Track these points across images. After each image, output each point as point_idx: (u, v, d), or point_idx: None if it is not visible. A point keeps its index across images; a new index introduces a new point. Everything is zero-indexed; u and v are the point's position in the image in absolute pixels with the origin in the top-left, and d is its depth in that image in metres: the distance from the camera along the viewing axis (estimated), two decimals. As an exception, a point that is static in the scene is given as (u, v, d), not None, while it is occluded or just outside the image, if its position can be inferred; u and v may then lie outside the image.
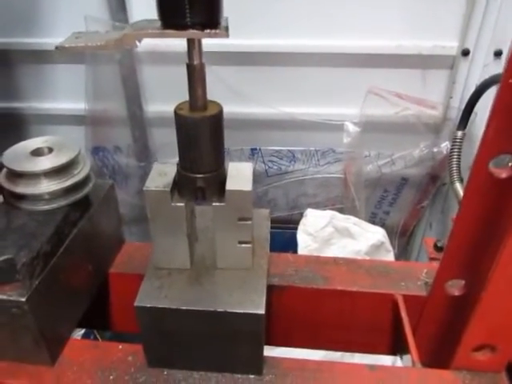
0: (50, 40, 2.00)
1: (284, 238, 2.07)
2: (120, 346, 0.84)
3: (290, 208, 2.43)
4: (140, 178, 2.30)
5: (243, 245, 0.78)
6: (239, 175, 0.75)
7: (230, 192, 0.72)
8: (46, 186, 0.81)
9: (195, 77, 0.67)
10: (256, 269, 0.81)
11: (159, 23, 0.61)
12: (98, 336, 1.89)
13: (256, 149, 2.26)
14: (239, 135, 2.15)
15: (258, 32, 1.96)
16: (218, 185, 0.73)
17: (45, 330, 0.75)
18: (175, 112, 0.68)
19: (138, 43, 0.64)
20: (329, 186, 2.31)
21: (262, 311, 0.72)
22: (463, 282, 0.85)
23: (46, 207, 0.81)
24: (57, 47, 0.61)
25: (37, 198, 0.81)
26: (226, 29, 0.61)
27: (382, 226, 2.10)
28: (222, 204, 0.73)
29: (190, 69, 0.66)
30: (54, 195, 0.82)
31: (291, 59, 2.02)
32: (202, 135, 0.67)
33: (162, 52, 1.95)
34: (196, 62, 0.66)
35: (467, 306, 0.80)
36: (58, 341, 0.82)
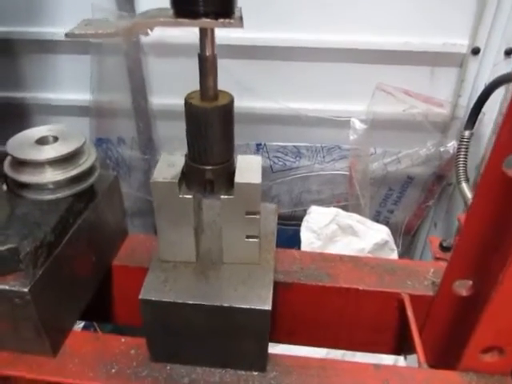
0: (55, 29, 1.99)
1: (287, 234, 2.06)
2: (123, 339, 0.83)
3: (293, 204, 2.41)
4: (143, 170, 2.28)
5: (250, 239, 0.77)
6: (248, 168, 0.74)
7: (238, 185, 0.71)
8: (51, 175, 0.80)
9: (207, 67, 0.65)
10: (263, 264, 0.80)
11: (171, 12, 0.60)
12: (98, 329, 1.88)
13: (261, 144, 2.25)
14: (245, 130, 2.14)
15: (265, 25, 1.94)
16: (226, 177, 0.72)
17: (47, 321, 0.74)
18: (186, 101, 0.66)
19: (149, 32, 0.62)
20: (334, 183, 2.30)
21: (268, 307, 0.71)
22: (471, 282, 0.84)
23: (50, 197, 0.80)
24: (67, 34, 0.59)
25: (41, 187, 0.80)
26: (241, 19, 0.59)
27: (386, 224, 2.09)
28: (231, 197, 0.72)
29: (202, 59, 0.65)
30: (59, 185, 0.81)
31: (299, 54, 2.00)
32: (213, 125, 0.66)
33: (169, 44, 1.93)
34: (208, 52, 0.64)
35: (475, 306, 0.79)
36: (60, 332, 0.81)
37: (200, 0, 0.57)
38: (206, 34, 0.63)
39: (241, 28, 0.58)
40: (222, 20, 0.58)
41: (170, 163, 0.74)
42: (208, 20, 0.58)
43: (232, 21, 0.58)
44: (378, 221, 2.20)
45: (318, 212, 1.96)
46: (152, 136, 2.26)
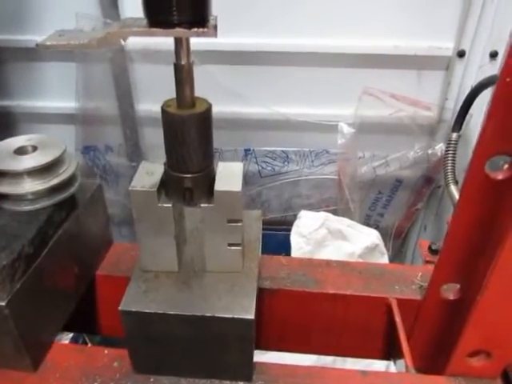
0: (41, 37, 1.96)
1: (277, 239, 2.05)
2: (106, 351, 0.82)
3: (283, 209, 2.41)
4: (131, 178, 2.26)
5: (233, 247, 0.76)
6: (228, 175, 0.73)
7: (218, 193, 0.70)
8: (30, 186, 0.78)
9: (183, 77, 0.65)
10: (246, 272, 0.78)
11: (145, 21, 0.59)
12: (86, 339, 1.86)
13: (249, 149, 2.24)
14: (233, 135, 2.13)
15: (251, 31, 1.94)
16: (206, 185, 0.71)
17: (26, 336, 0.73)
18: (162, 109, 0.66)
19: (122, 42, 0.61)
20: (323, 188, 2.29)
21: (251, 316, 0.70)
22: (458, 285, 0.84)
23: (29, 207, 0.78)
24: (37, 45, 0.59)
25: (20, 197, 0.78)
26: (215, 27, 0.59)
27: (376, 228, 2.08)
28: (211, 205, 0.71)
29: (178, 69, 0.64)
30: (38, 195, 0.79)
31: (286, 59, 2.00)
32: (190, 133, 0.65)
33: (154, 50, 1.92)
34: (184, 61, 0.64)
35: (462, 310, 0.79)
36: (41, 346, 0.79)
37: (173, 9, 0.56)
38: (181, 44, 0.62)
39: (214, 37, 0.58)
40: (195, 29, 0.57)
41: (149, 171, 0.73)
42: (182, 29, 0.57)
43: (206, 30, 0.57)
44: (368, 224, 2.19)
45: (308, 217, 1.95)
46: (139, 143, 2.25)
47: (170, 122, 0.65)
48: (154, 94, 2.03)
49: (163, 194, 0.72)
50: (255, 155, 2.25)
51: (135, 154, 2.25)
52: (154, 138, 2.21)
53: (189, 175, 0.68)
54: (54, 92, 2.16)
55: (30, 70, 2.13)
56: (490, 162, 0.69)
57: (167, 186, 0.72)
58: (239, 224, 0.73)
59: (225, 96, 1.97)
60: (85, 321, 1.01)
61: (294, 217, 2.01)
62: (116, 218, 2.20)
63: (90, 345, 1.83)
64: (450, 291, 0.84)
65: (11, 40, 2.03)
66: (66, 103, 2.13)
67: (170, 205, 0.71)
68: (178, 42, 0.62)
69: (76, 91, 2.06)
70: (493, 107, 0.65)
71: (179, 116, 0.64)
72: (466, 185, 0.72)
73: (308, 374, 0.79)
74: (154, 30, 0.58)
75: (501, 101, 0.64)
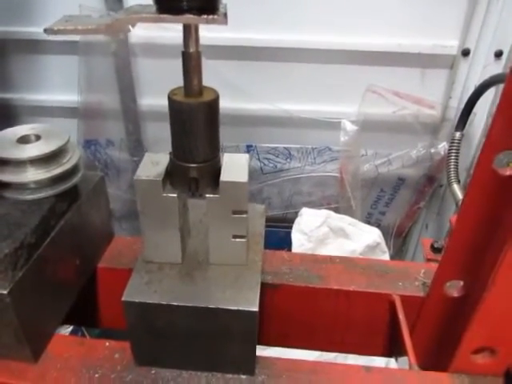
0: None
1: (278, 237, 2.04)
2: (107, 343, 0.81)
3: (284, 207, 2.40)
4: (132, 172, 2.24)
5: (237, 239, 0.75)
6: (234, 166, 0.72)
7: (224, 183, 0.69)
8: (32, 175, 0.77)
9: (191, 65, 0.64)
10: (250, 265, 0.78)
11: (154, 8, 0.58)
12: (85, 333, 1.85)
13: (252, 146, 2.24)
14: (235, 131, 2.13)
15: (255, 26, 1.94)
16: (212, 176, 0.70)
17: (27, 325, 0.72)
18: (169, 97, 0.65)
19: (130, 28, 0.61)
20: (324, 185, 2.29)
21: (255, 308, 0.69)
22: (462, 283, 0.83)
23: (32, 197, 0.78)
24: (45, 29, 0.58)
25: (22, 186, 0.78)
26: (225, 15, 0.58)
27: (378, 226, 2.08)
28: (216, 196, 0.70)
29: (186, 57, 0.63)
30: (41, 184, 0.78)
31: (289, 55, 2.00)
32: (197, 122, 0.64)
33: (158, 44, 1.92)
34: (192, 49, 0.63)
35: (466, 307, 0.78)
36: (42, 337, 0.79)
37: None
38: (189, 31, 0.62)
39: (225, 25, 0.57)
40: (205, 16, 0.56)
41: (154, 161, 0.72)
42: (191, 16, 0.56)
43: (216, 17, 0.56)
44: (369, 223, 2.19)
45: (310, 214, 1.94)
46: (141, 138, 2.24)
47: (178, 111, 0.64)
48: (156, 88, 2.04)
49: (168, 183, 0.71)
50: (257, 152, 2.24)
51: (137, 148, 2.25)
52: (155, 133, 2.21)
53: (195, 165, 0.68)
54: (57, 85, 2.16)
55: (33, 62, 2.12)
56: (497, 158, 0.68)
57: (172, 175, 0.71)
58: (244, 215, 0.73)
59: (228, 91, 1.96)
60: (85, 313, 1.00)
61: (295, 214, 2.00)
62: (117, 212, 2.19)
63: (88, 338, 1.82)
64: (454, 288, 0.84)
65: (14, 32, 2.03)
66: (69, 96, 2.12)
67: (175, 195, 0.70)
68: (187, 29, 0.61)
69: (78, 85, 2.05)
70: (502, 102, 0.64)
71: (187, 104, 0.63)
72: (473, 181, 0.72)
73: (312, 369, 0.78)
74: (163, 16, 0.57)
75: (510, 97, 0.63)
